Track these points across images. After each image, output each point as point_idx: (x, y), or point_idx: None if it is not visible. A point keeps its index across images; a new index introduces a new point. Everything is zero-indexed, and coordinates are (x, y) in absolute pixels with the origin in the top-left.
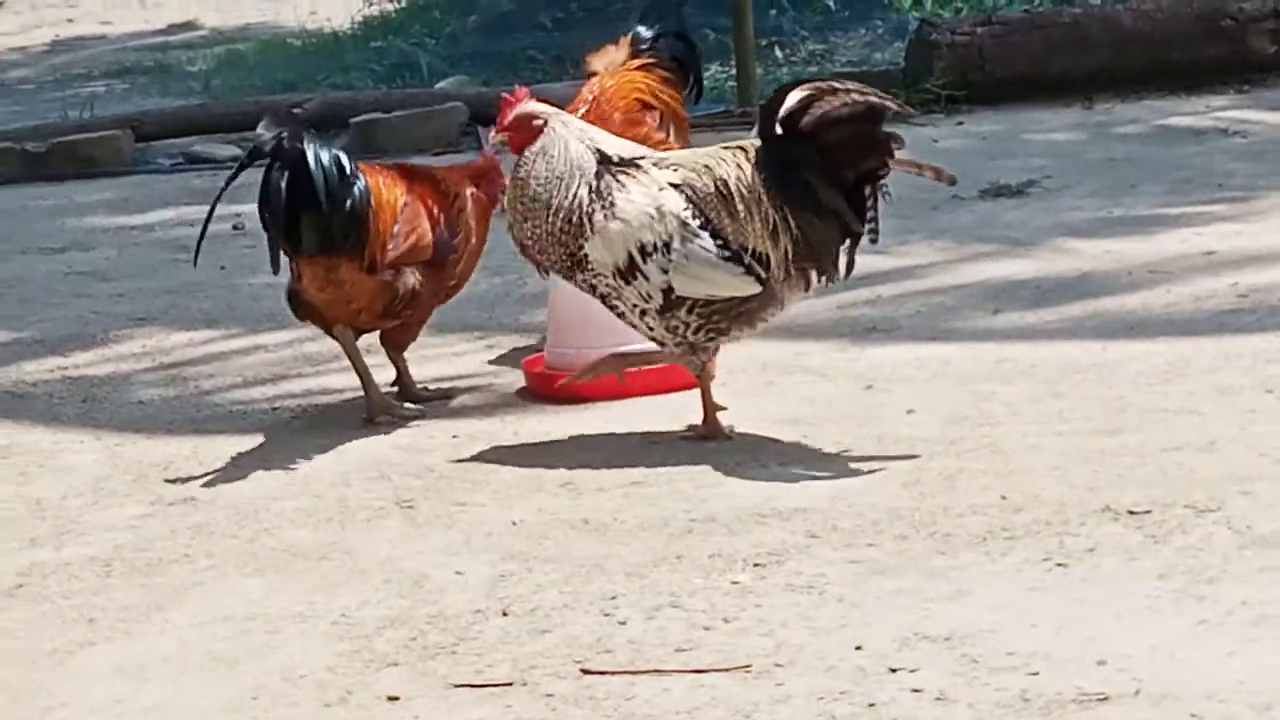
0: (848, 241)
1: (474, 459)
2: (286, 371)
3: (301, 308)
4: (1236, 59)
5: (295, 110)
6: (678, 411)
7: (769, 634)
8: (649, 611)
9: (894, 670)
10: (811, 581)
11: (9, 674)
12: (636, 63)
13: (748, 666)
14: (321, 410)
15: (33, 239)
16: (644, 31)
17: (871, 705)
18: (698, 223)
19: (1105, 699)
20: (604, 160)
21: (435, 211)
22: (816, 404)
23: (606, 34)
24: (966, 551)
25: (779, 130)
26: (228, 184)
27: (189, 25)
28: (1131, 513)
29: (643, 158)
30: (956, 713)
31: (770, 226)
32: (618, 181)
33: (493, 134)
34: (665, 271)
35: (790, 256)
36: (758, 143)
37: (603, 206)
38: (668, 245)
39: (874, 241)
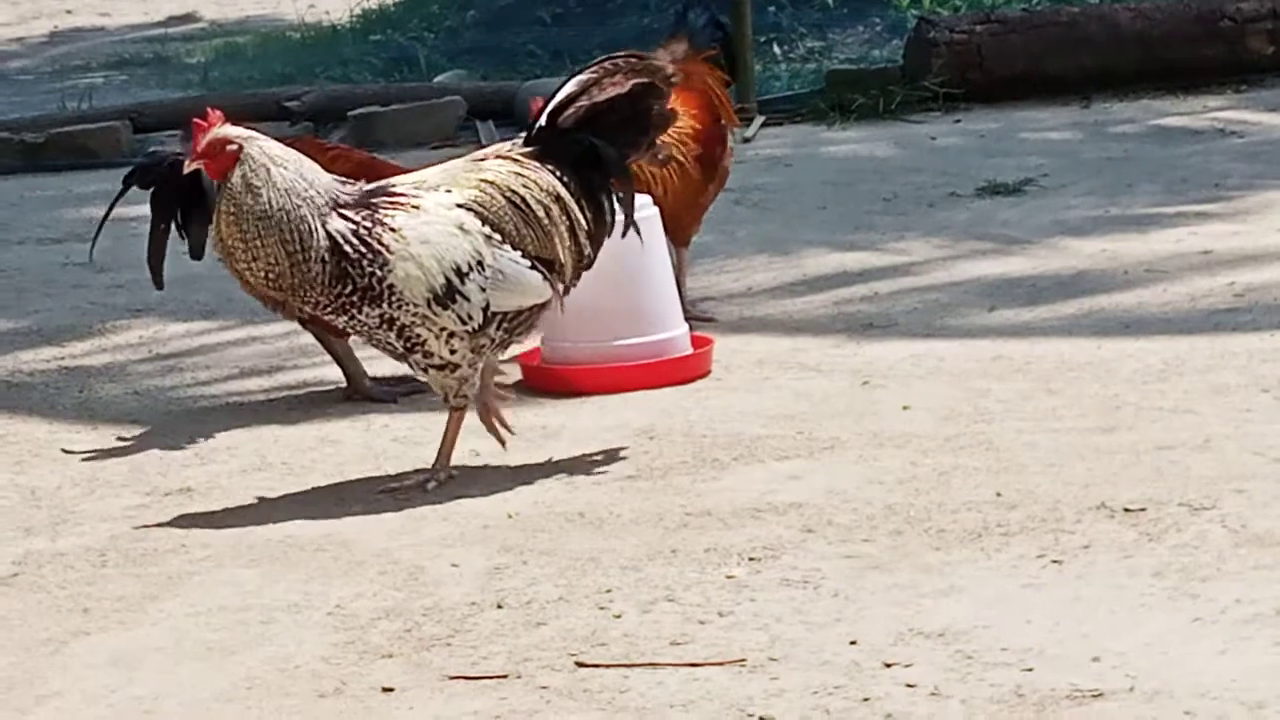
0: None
1: (470, 451)
2: (283, 363)
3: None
4: (1234, 59)
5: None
6: (674, 407)
7: (764, 628)
8: (644, 605)
9: (888, 665)
10: (806, 576)
11: (3, 663)
12: (698, 57)
13: (742, 660)
14: (318, 401)
15: (30, 229)
16: (697, 21)
17: (866, 700)
18: (498, 236)
19: (1099, 695)
20: (339, 203)
21: None
22: (812, 399)
23: (604, 29)
24: (961, 548)
25: (553, 126)
26: (116, 200)
27: (188, 17)
28: (1126, 510)
29: (395, 185)
30: (950, 708)
31: (568, 228)
32: (391, 209)
33: (188, 163)
34: (484, 289)
35: (582, 256)
36: (523, 147)
37: (390, 231)
38: (480, 262)
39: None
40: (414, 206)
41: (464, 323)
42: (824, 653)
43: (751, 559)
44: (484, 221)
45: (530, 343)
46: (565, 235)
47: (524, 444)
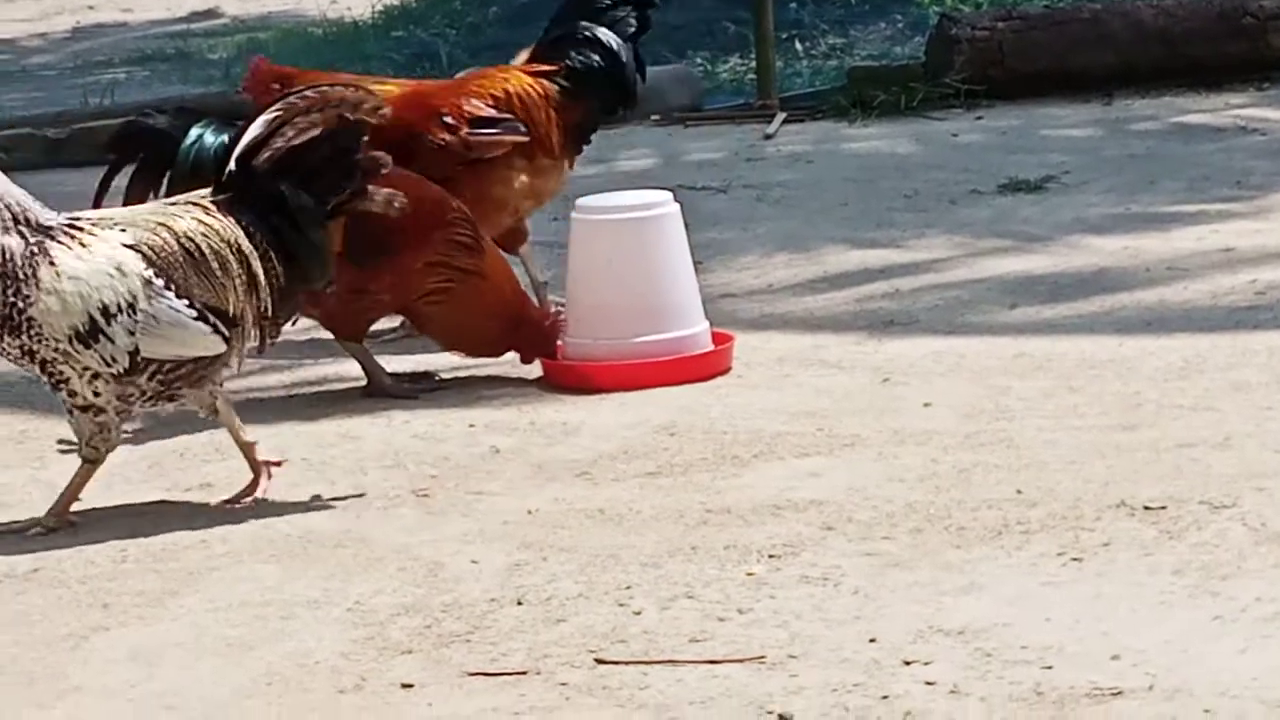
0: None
1: (490, 448)
2: (303, 359)
3: None
4: (1256, 56)
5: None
6: (694, 403)
7: (783, 625)
8: (664, 602)
9: (908, 663)
10: (826, 573)
11: (25, 657)
12: (527, 67)
13: (762, 657)
14: (338, 397)
15: None
16: (554, 36)
17: (885, 697)
18: (161, 281)
19: (1119, 693)
20: (25, 222)
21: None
22: (833, 396)
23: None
24: (981, 545)
25: (245, 171)
26: (105, 185)
27: (210, 13)
28: (1147, 508)
29: (82, 218)
30: (969, 706)
31: (245, 280)
32: (59, 241)
33: None
34: (133, 333)
35: (261, 311)
36: (213, 194)
37: (48, 264)
38: (133, 305)
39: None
40: (82, 243)
41: (108, 365)
42: (843, 650)
43: (771, 556)
44: (149, 265)
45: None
46: (242, 287)
47: (544, 440)
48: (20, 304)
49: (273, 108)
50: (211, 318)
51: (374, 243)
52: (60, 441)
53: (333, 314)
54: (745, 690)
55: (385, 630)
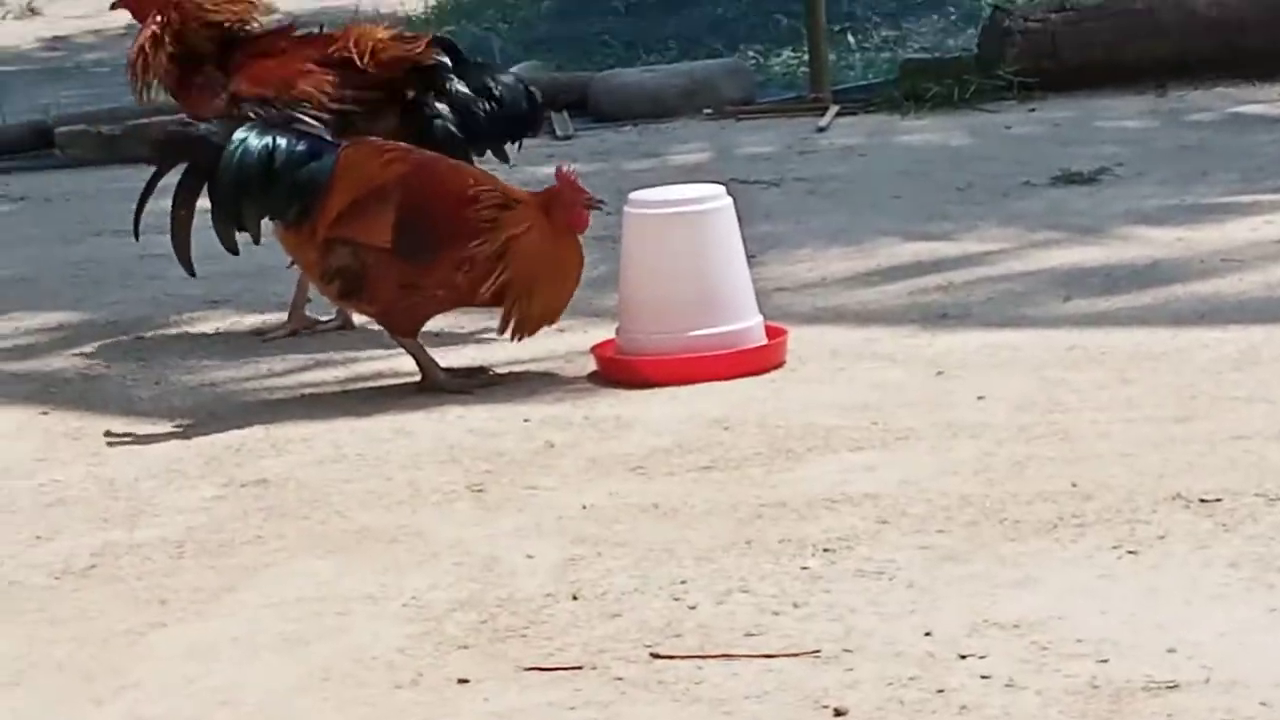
0: None
1: (545, 443)
2: (357, 354)
3: None
4: None
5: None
6: (748, 397)
7: (838, 619)
8: (718, 596)
9: (963, 656)
10: (881, 567)
11: (82, 654)
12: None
13: (817, 651)
14: (392, 392)
15: (107, 221)
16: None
17: (940, 691)
18: None
19: (1175, 686)
20: None
21: (424, 205)
22: (887, 390)
23: (678, 18)
24: (1036, 538)
25: None
26: (146, 194)
27: (266, 8)
28: (1202, 500)
29: None
30: (1025, 700)
31: None
32: None
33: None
34: None
35: None
36: None
37: None
38: None
39: None
40: None
41: None
42: (898, 644)
43: (826, 550)
44: None
45: (605, 334)
46: None
47: (598, 434)
48: None
49: None
50: None
51: (423, 237)
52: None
53: (387, 309)
54: (800, 684)
55: (441, 625)
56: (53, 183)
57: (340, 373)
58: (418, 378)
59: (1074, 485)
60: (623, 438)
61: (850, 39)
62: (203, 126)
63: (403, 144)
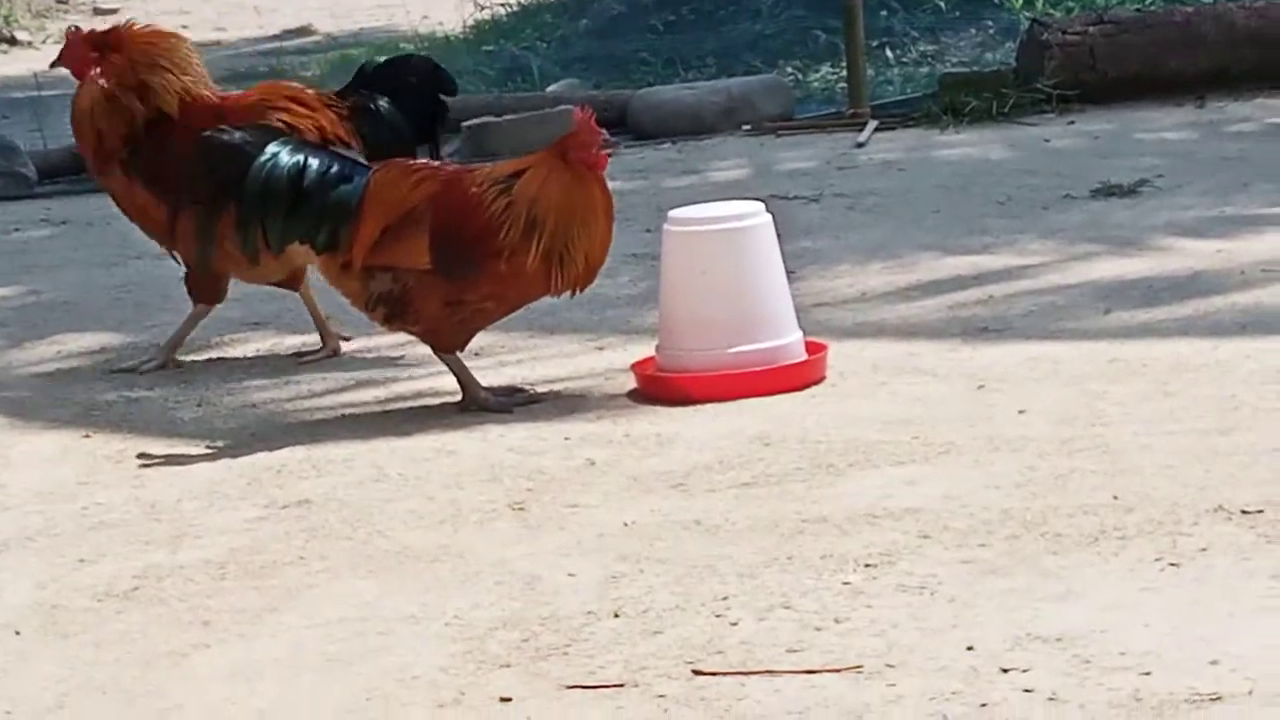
0: None
1: (585, 461)
2: (398, 374)
3: None
4: None
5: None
6: (789, 413)
7: (880, 634)
8: (760, 612)
9: (1005, 670)
10: (923, 582)
11: (125, 676)
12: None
13: (859, 667)
14: (433, 412)
15: (147, 244)
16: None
17: (984, 706)
18: None
19: (1218, 699)
20: None
21: (457, 220)
22: (928, 404)
23: (717, 35)
24: (1078, 551)
25: None
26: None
27: (303, 30)
28: (1244, 512)
29: None
30: (1069, 713)
31: None
32: None
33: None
34: None
35: None
36: None
37: None
38: None
39: None
40: None
41: None
42: (941, 658)
43: (868, 565)
44: None
45: (645, 351)
46: None
47: (639, 452)
48: None
49: None
50: None
51: (461, 252)
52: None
53: (434, 328)
54: (843, 700)
55: (484, 644)
56: (93, 207)
57: (380, 393)
58: (458, 397)
59: (1115, 498)
60: (664, 455)
61: (888, 54)
62: (238, 135)
63: (432, 162)
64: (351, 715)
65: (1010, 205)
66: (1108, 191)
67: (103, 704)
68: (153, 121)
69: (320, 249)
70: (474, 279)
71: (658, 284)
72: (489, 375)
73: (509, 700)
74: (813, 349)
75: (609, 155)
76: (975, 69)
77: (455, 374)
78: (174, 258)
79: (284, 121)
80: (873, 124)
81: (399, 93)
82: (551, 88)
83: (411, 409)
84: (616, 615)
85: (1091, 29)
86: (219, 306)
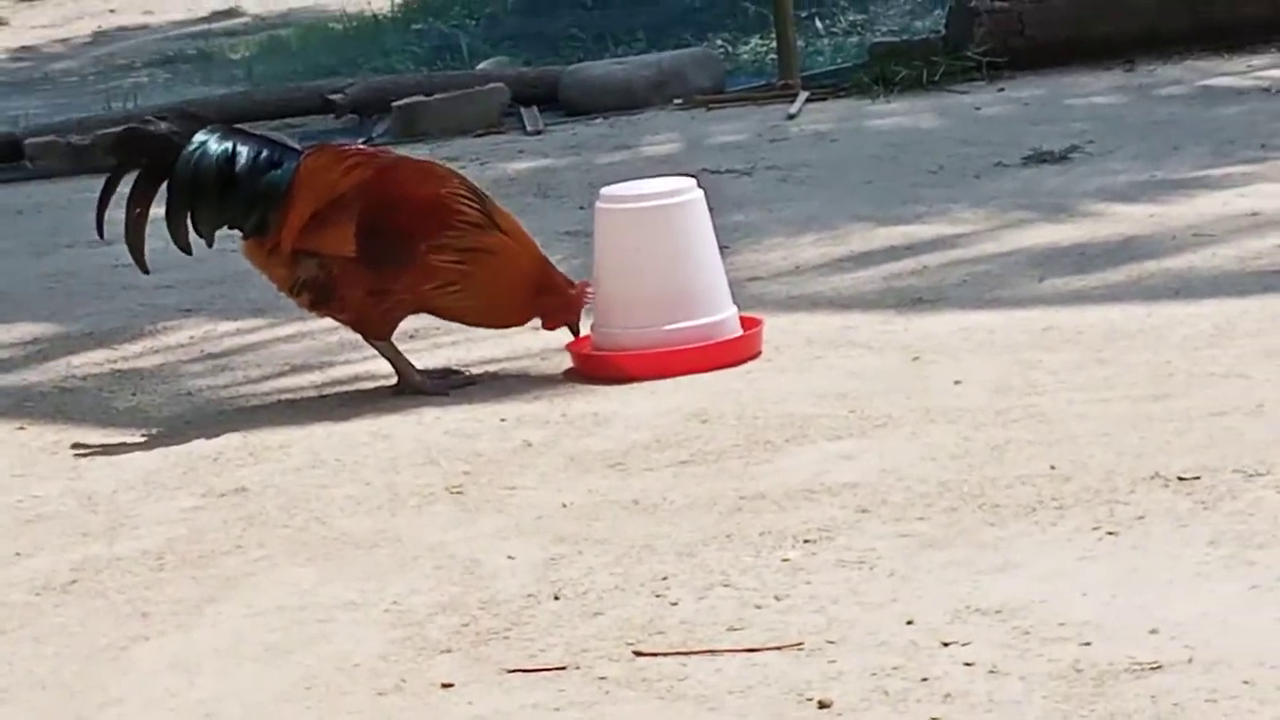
0: None
1: (523, 442)
2: (333, 358)
3: None
4: (1279, 17)
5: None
6: (725, 390)
7: (820, 611)
8: (700, 591)
9: (946, 644)
10: (862, 557)
11: (65, 670)
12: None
13: (800, 644)
14: (369, 396)
15: (79, 232)
16: None
17: (924, 680)
18: None
19: (1158, 667)
20: None
21: (387, 211)
22: (864, 377)
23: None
24: (1016, 522)
25: None
26: (107, 192)
27: (231, 12)
28: (1180, 479)
29: None
30: (1009, 685)
31: None
32: None
33: None
34: None
35: None
36: None
37: None
38: None
39: None
40: None
41: None
42: (881, 633)
43: (806, 541)
44: None
45: (581, 330)
46: None
47: (576, 432)
48: None
49: None
50: None
51: (387, 243)
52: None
53: (359, 315)
54: (784, 678)
55: (423, 630)
56: (23, 194)
57: (317, 377)
58: (394, 381)
59: (1052, 468)
60: (600, 434)
61: (818, 24)
62: (163, 125)
63: (365, 149)
64: (291, 704)
65: (942, 174)
66: (1039, 158)
67: (43, 698)
68: None
69: (248, 234)
70: (399, 270)
71: (592, 261)
72: (424, 358)
73: (450, 686)
74: (748, 324)
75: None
76: (905, 38)
77: (389, 359)
78: None
79: None
80: (803, 95)
81: None
82: (481, 65)
83: (347, 393)
84: (556, 597)
85: None
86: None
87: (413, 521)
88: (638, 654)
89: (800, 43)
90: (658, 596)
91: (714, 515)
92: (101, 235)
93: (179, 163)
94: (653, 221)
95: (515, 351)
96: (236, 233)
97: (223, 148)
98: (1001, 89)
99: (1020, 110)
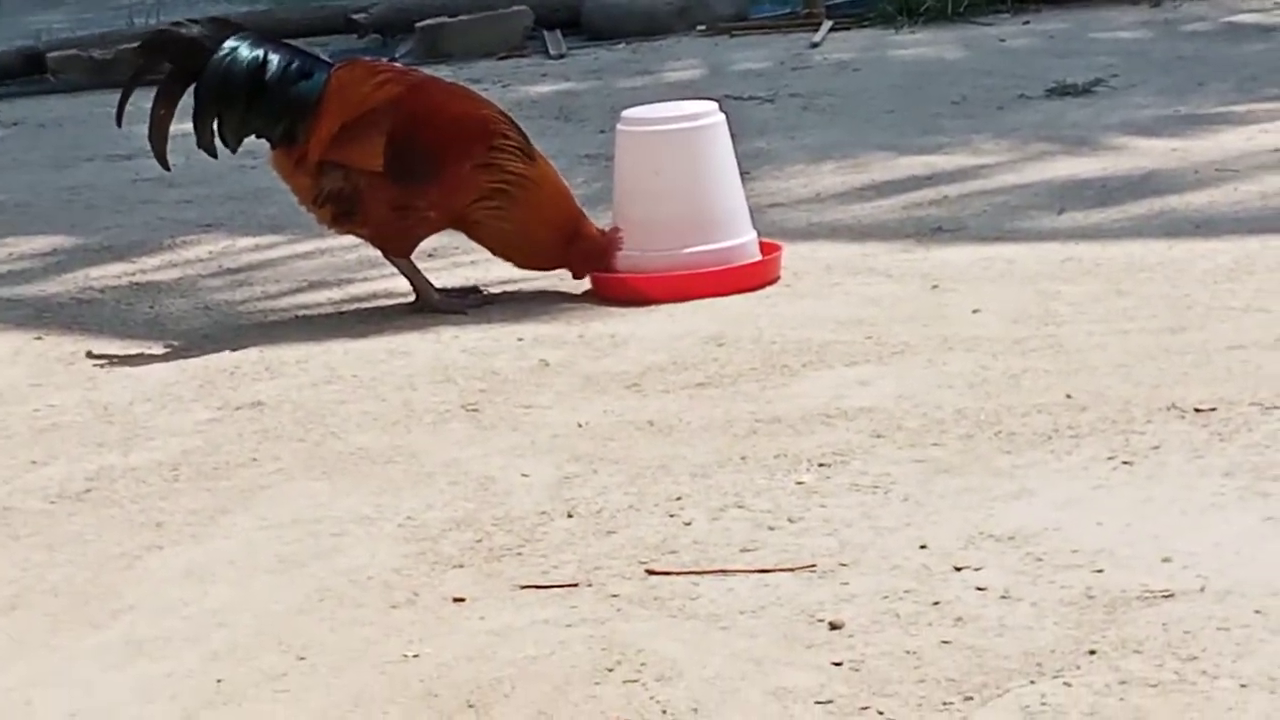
0: None
1: (539, 361)
2: (351, 275)
3: None
4: None
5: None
6: (743, 314)
7: (833, 533)
8: (714, 512)
9: (958, 569)
10: (876, 481)
11: (78, 577)
12: None
13: (812, 566)
14: (386, 313)
15: (100, 146)
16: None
17: (936, 604)
18: None
19: (1170, 596)
20: None
21: (416, 127)
22: (882, 304)
23: None
24: (1031, 450)
25: None
26: (130, 86)
27: None
28: (1197, 410)
29: None
30: (1020, 610)
31: None
32: None
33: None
34: None
35: None
36: None
37: None
38: None
39: None
40: None
41: None
42: (894, 557)
43: (821, 465)
44: None
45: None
46: None
47: (593, 352)
48: None
49: None
50: None
51: (416, 159)
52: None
53: (381, 231)
54: (796, 599)
55: (437, 545)
56: (45, 108)
57: (335, 294)
58: (412, 298)
59: (1069, 397)
60: (617, 355)
61: None
62: (195, 29)
63: (397, 65)
64: (304, 616)
65: (965, 105)
66: (1063, 91)
67: (56, 605)
68: None
69: (276, 144)
70: (424, 187)
71: (612, 185)
72: (443, 276)
73: (462, 600)
74: (767, 249)
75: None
76: None
77: (407, 277)
78: None
79: None
80: (828, 24)
81: None
82: None
83: (365, 310)
84: (570, 515)
85: None
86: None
87: (428, 438)
88: (650, 572)
89: None
90: (671, 516)
91: (729, 437)
92: (120, 124)
93: (209, 67)
94: (674, 144)
95: (534, 272)
96: (264, 143)
97: (253, 55)
98: (1027, 21)
99: (1045, 43)
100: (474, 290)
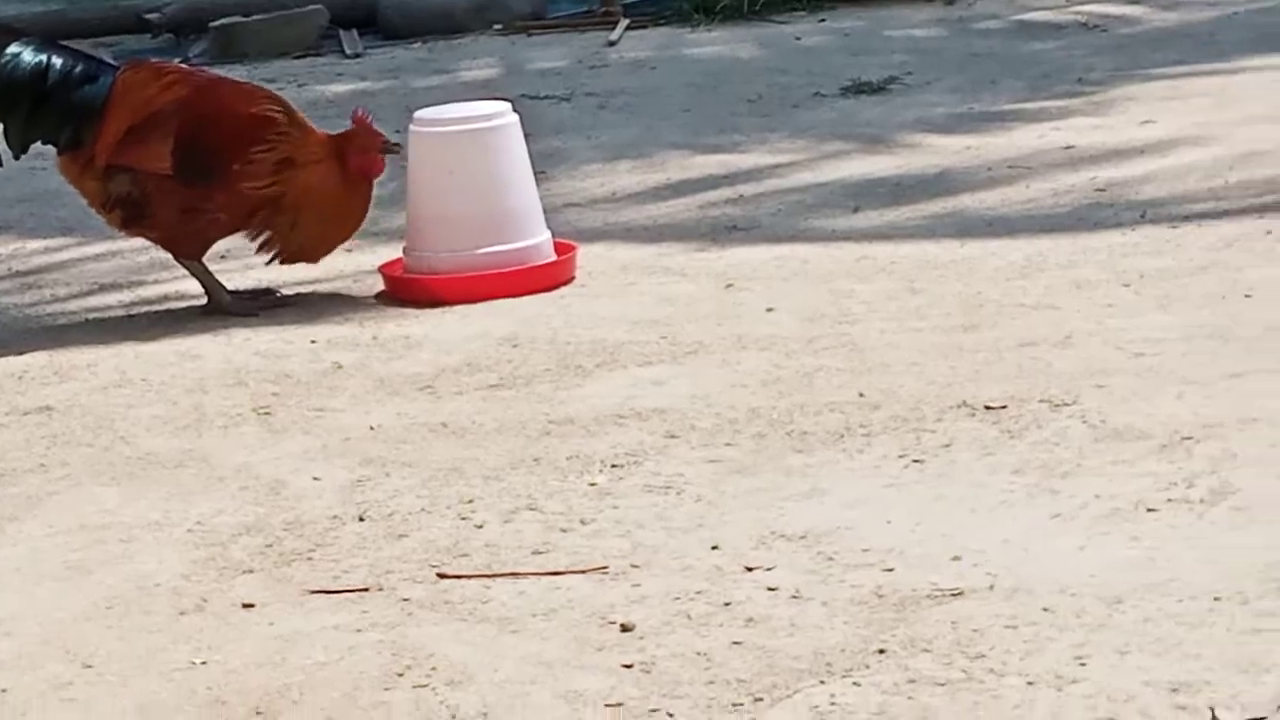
0: None
1: (332, 364)
2: (143, 278)
3: None
4: None
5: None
6: (537, 314)
7: (626, 535)
8: (506, 514)
9: (750, 569)
10: (669, 482)
11: None
12: None
13: (604, 568)
14: (178, 316)
15: None
16: None
17: (727, 604)
18: None
19: (959, 594)
20: None
21: (204, 128)
22: (677, 304)
23: None
24: (824, 449)
25: None
26: None
27: None
28: (988, 408)
29: None
30: (811, 610)
31: None
32: None
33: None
34: None
35: None
36: None
37: None
38: None
39: None
40: None
41: None
42: (686, 558)
43: (614, 466)
44: None
45: (393, 253)
46: None
47: (386, 354)
48: None
49: None
50: None
51: (204, 161)
52: None
53: (171, 234)
54: (587, 601)
55: (226, 550)
56: None
57: (126, 297)
58: (203, 301)
59: (861, 395)
60: (411, 357)
61: None
62: None
63: (183, 67)
64: (91, 623)
65: (761, 104)
66: (857, 89)
67: None
68: None
69: (62, 149)
70: (212, 189)
71: (405, 185)
72: (236, 278)
73: (251, 606)
74: (561, 249)
75: (385, 159)
76: None
77: (199, 279)
78: None
79: None
80: (624, 22)
81: None
82: None
83: (156, 313)
84: (361, 519)
85: None
86: None
87: (219, 442)
88: (441, 576)
89: None
90: (463, 519)
91: (522, 439)
92: None
93: None
94: (466, 145)
95: (327, 273)
96: (50, 148)
97: (36, 60)
98: (822, 20)
99: (840, 41)
100: (267, 292)
